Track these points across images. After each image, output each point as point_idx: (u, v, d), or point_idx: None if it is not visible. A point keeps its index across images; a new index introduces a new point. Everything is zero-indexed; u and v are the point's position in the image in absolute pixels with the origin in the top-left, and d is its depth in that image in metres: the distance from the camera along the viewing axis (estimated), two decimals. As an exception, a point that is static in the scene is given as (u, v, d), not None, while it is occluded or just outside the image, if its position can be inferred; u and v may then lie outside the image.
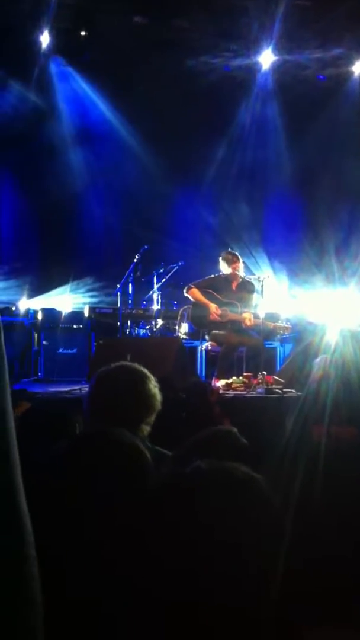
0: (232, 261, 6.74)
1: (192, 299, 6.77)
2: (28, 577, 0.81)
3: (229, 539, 0.87)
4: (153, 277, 7.86)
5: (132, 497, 1.15)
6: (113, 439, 1.41)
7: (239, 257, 6.85)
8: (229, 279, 6.79)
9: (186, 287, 6.82)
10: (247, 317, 6.49)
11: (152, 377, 2.29)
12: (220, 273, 6.85)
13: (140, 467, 1.35)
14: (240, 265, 6.82)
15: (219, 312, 6.59)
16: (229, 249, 7.13)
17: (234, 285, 6.79)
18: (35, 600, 0.83)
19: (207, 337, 6.80)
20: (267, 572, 0.89)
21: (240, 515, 0.88)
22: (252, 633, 0.87)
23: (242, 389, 5.59)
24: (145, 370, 2.30)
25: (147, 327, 7.73)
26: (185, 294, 6.81)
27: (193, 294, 6.73)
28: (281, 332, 6.65)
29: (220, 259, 6.83)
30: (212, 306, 6.61)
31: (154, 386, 2.27)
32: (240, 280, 6.82)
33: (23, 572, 0.80)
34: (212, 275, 6.93)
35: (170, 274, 7.84)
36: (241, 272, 6.83)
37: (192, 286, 6.78)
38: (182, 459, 1.53)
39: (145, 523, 0.89)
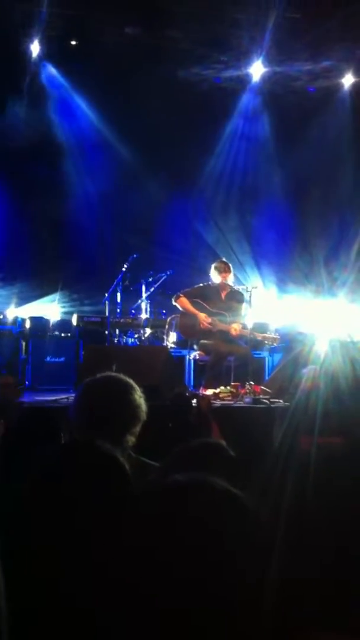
0: (223, 270, 6.75)
1: (180, 308, 6.76)
2: None
3: (208, 552, 0.85)
4: (142, 285, 7.84)
5: (112, 507, 1.14)
6: (91, 450, 1.39)
7: (231, 267, 6.86)
8: (218, 288, 6.78)
9: (175, 296, 6.80)
10: (234, 326, 6.48)
11: (137, 388, 2.27)
12: (210, 282, 6.85)
13: (119, 478, 1.34)
14: (231, 275, 6.83)
15: (209, 321, 6.58)
16: (222, 259, 7.14)
17: (223, 295, 6.79)
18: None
19: (195, 347, 6.78)
20: (250, 582, 0.87)
21: (217, 527, 0.87)
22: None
23: (229, 398, 5.58)
24: (131, 381, 2.29)
25: (136, 335, 7.70)
26: (174, 303, 6.80)
27: (182, 303, 6.72)
28: (270, 342, 6.65)
29: (212, 267, 6.84)
30: (202, 315, 6.59)
31: (139, 396, 2.25)
32: (230, 290, 6.82)
33: None
34: (201, 284, 6.93)
35: (159, 282, 7.82)
36: (231, 282, 6.84)
37: (180, 295, 6.77)
38: (169, 471, 1.51)
39: (126, 533, 0.87)
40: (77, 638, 1.16)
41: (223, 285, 6.77)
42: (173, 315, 7.18)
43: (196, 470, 0.95)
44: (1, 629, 0.84)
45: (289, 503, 1.58)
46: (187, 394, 4.21)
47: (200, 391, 6.00)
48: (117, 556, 0.86)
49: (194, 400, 3.78)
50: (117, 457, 1.39)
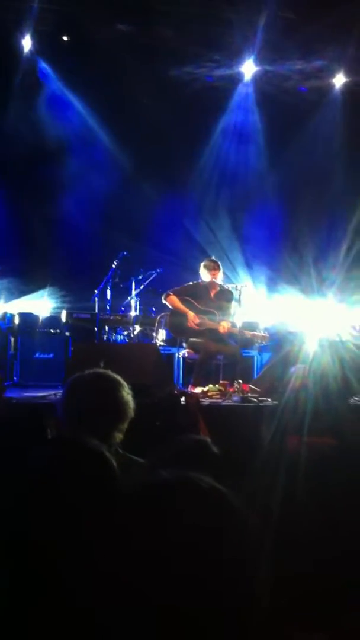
0: (212, 268, 6.75)
1: (170, 306, 6.75)
2: None
3: (195, 548, 0.85)
4: (131, 283, 7.82)
5: (99, 503, 1.13)
6: (78, 446, 1.39)
7: (220, 265, 6.86)
8: (207, 286, 6.78)
9: (164, 294, 6.79)
10: (223, 324, 6.49)
11: (125, 385, 2.27)
12: (199, 280, 6.85)
13: (106, 474, 1.34)
14: (220, 274, 6.83)
15: (197, 320, 6.57)
16: (211, 257, 7.13)
17: (212, 293, 6.79)
18: None
19: (184, 345, 6.78)
20: (238, 580, 0.87)
21: (205, 525, 0.86)
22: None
23: (218, 396, 5.58)
24: (119, 378, 2.28)
25: (125, 333, 7.68)
26: (164, 301, 6.79)
27: (171, 301, 6.71)
28: (259, 341, 6.66)
29: (202, 265, 6.84)
30: (191, 314, 6.59)
31: (127, 393, 2.24)
32: (219, 288, 6.82)
33: None
34: (191, 283, 6.92)
35: (148, 280, 7.81)
36: (220, 281, 6.84)
37: (170, 293, 6.76)
38: (155, 467, 1.51)
39: (114, 531, 0.87)
40: (70, 635, 1.15)
41: (212, 284, 6.77)
42: (162, 314, 7.17)
43: (181, 466, 0.95)
44: None
45: (278, 501, 1.59)
46: (176, 393, 4.21)
47: (189, 389, 6.00)
48: (105, 553, 0.86)
49: (183, 399, 3.77)
50: (104, 453, 1.38)
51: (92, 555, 0.89)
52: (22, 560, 1.24)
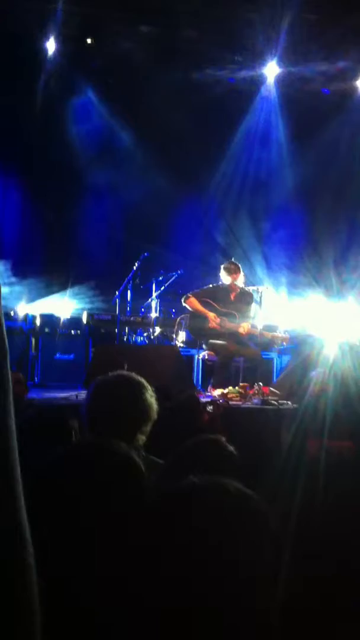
0: (233, 271, 6.74)
1: (190, 309, 6.76)
2: (28, 585, 0.80)
3: (224, 553, 0.86)
4: (152, 284, 7.85)
5: (128, 507, 1.15)
6: (108, 450, 1.40)
7: (240, 268, 6.85)
8: (228, 289, 6.78)
9: (184, 297, 6.80)
10: (243, 326, 6.48)
11: (149, 387, 2.28)
12: (220, 283, 6.84)
13: (135, 478, 1.35)
14: (241, 276, 6.82)
15: (217, 320, 6.58)
16: (232, 260, 7.13)
17: (232, 296, 6.79)
18: (35, 609, 0.82)
19: (204, 346, 6.79)
20: (264, 584, 0.88)
21: (234, 530, 0.87)
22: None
23: (237, 399, 5.57)
24: (143, 380, 2.29)
25: (145, 334, 7.71)
26: (183, 304, 6.80)
27: (191, 303, 6.72)
28: (279, 341, 6.64)
29: (222, 268, 6.83)
30: (211, 315, 6.59)
31: (150, 396, 2.26)
32: (239, 290, 6.81)
33: (23, 581, 0.79)
34: (211, 286, 6.92)
35: (169, 282, 7.83)
36: (241, 283, 6.83)
37: (190, 296, 6.76)
38: (172, 469, 1.52)
39: (142, 535, 0.89)
40: (81, 637, 1.17)
41: (233, 287, 6.77)
42: (182, 315, 7.18)
43: (199, 466, 0.96)
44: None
45: (299, 505, 1.60)
46: (197, 396, 4.21)
47: (209, 390, 6.02)
48: (135, 557, 0.87)
49: (210, 407, 3.77)
50: (133, 458, 1.39)
51: (120, 559, 0.91)
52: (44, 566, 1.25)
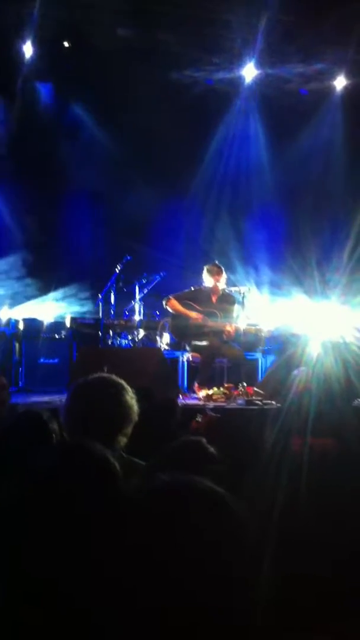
0: (215, 273, 6.75)
1: (171, 311, 6.74)
2: None
3: (195, 552, 0.86)
4: (135, 287, 7.84)
5: (103, 508, 1.14)
6: (83, 451, 1.40)
7: (223, 269, 6.85)
8: (209, 292, 6.77)
9: (165, 299, 6.79)
10: (229, 326, 6.49)
11: (129, 389, 2.27)
12: (202, 286, 6.84)
13: (110, 479, 1.34)
14: (223, 278, 6.82)
15: (200, 316, 6.56)
16: (215, 261, 7.12)
17: (214, 299, 6.78)
18: None
19: (187, 348, 6.79)
20: (240, 584, 0.87)
21: (204, 528, 0.87)
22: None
23: (222, 400, 5.59)
24: (123, 382, 2.28)
25: (129, 337, 7.70)
26: (165, 306, 6.78)
27: (172, 305, 6.71)
28: (264, 335, 6.64)
29: (205, 270, 6.83)
30: (193, 313, 6.58)
31: (131, 397, 2.25)
32: (221, 293, 6.81)
33: None
34: (192, 288, 6.91)
35: (152, 284, 7.82)
36: (223, 285, 6.83)
37: (170, 298, 6.76)
38: (153, 470, 1.52)
39: (116, 534, 0.88)
40: (74, 638, 1.16)
41: (215, 289, 6.77)
42: (166, 318, 7.18)
43: (180, 468, 0.96)
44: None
45: (282, 503, 1.60)
46: (172, 398, 4.20)
47: (195, 389, 6.03)
48: (109, 557, 0.87)
49: (199, 418, 3.75)
50: (107, 458, 1.39)
51: (94, 558, 0.90)
52: (20, 565, 1.25)
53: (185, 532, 0.86)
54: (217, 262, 7.18)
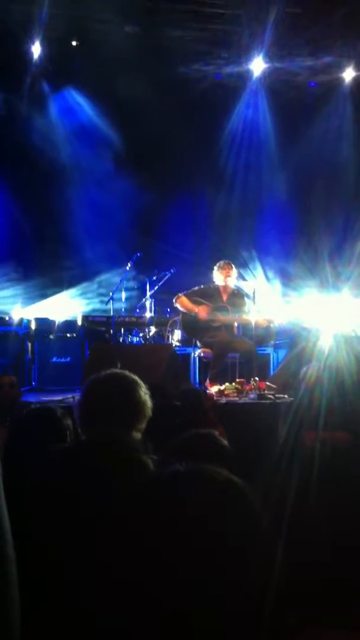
0: (225, 270, 6.70)
1: (181, 308, 6.71)
2: (6, 574, 0.79)
3: (210, 543, 0.85)
4: (146, 284, 7.84)
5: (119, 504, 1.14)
6: (98, 448, 1.39)
7: (233, 266, 6.81)
8: (219, 289, 6.72)
9: (175, 297, 6.75)
10: (243, 317, 6.48)
11: (142, 384, 2.27)
12: (211, 284, 6.79)
13: (126, 475, 1.34)
14: (234, 274, 6.77)
15: (206, 308, 6.53)
16: (225, 260, 7.07)
17: (224, 297, 6.74)
18: (13, 596, 0.81)
19: (198, 344, 6.78)
20: (252, 575, 0.87)
21: (220, 518, 0.87)
22: (246, 637, 0.85)
23: (234, 395, 5.58)
24: (136, 377, 2.28)
25: (141, 334, 7.71)
26: (174, 304, 6.75)
27: (181, 302, 6.68)
28: (275, 324, 6.62)
29: (215, 268, 6.79)
30: (201, 307, 6.55)
31: (144, 393, 2.25)
32: (231, 291, 6.77)
33: (1, 571, 0.79)
34: (202, 286, 6.86)
35: (162, 281, 7.82)
36: (233, 282, 6.78)
37: (180, 295, 6.72)
38: (165, 463, 1.52)
39: (125, 526, 0.88)
40: (80, 638, 1.16)
41: (225, 287, 6.72)
42: (177, 315, 7.17)
43: (190, 460, 0.95)
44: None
45: (293, 497, 1.60)
46: (196, 391, 4.21)
47: (206, 384, 6.02)
48: (120, 551, 0.86)
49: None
50: (122, 453, 1.38)
51: (104, 553, 0.90)
52: (32, 563, 1.25)
53: (198, 520, 0.85)
54: (227, 260, 7.14)
